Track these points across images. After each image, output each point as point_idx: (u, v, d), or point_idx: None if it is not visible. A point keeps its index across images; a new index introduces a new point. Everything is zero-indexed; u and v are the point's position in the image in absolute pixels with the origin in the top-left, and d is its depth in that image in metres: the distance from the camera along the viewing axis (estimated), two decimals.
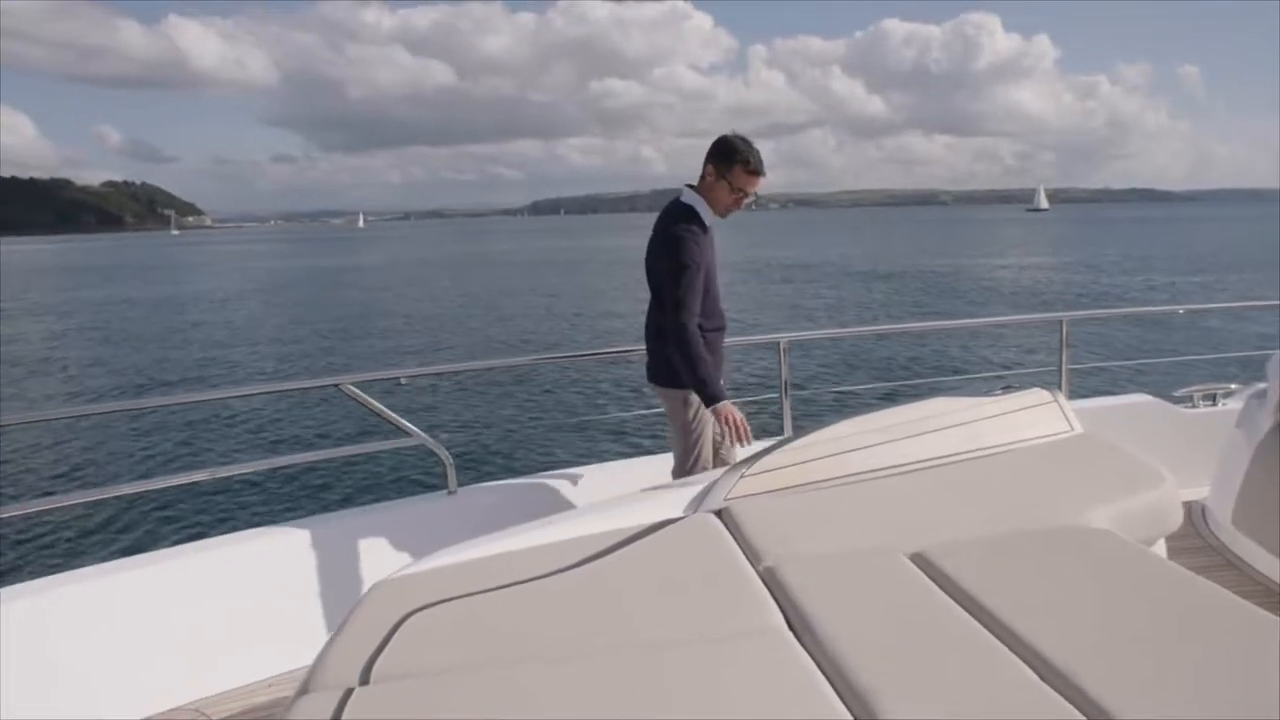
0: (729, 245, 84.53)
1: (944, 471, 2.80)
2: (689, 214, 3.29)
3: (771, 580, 2.11)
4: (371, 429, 11.63)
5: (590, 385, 15.08)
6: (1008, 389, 3.25)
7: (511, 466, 10.53)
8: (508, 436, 11.73)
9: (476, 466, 10.26)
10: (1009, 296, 31.15)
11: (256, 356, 22.27)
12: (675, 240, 3.22)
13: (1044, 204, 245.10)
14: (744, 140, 3.25)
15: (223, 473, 3.78)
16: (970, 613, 1.88)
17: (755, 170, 3.24)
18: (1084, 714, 1.50)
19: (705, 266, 3.26)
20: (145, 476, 10.45)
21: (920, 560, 2.18)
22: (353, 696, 1.64)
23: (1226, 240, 70.98)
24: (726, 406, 3.21)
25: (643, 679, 1.68)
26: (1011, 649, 1.72)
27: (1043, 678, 1.62)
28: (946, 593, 1.99)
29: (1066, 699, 1.54)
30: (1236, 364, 10.09)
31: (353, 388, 3.45)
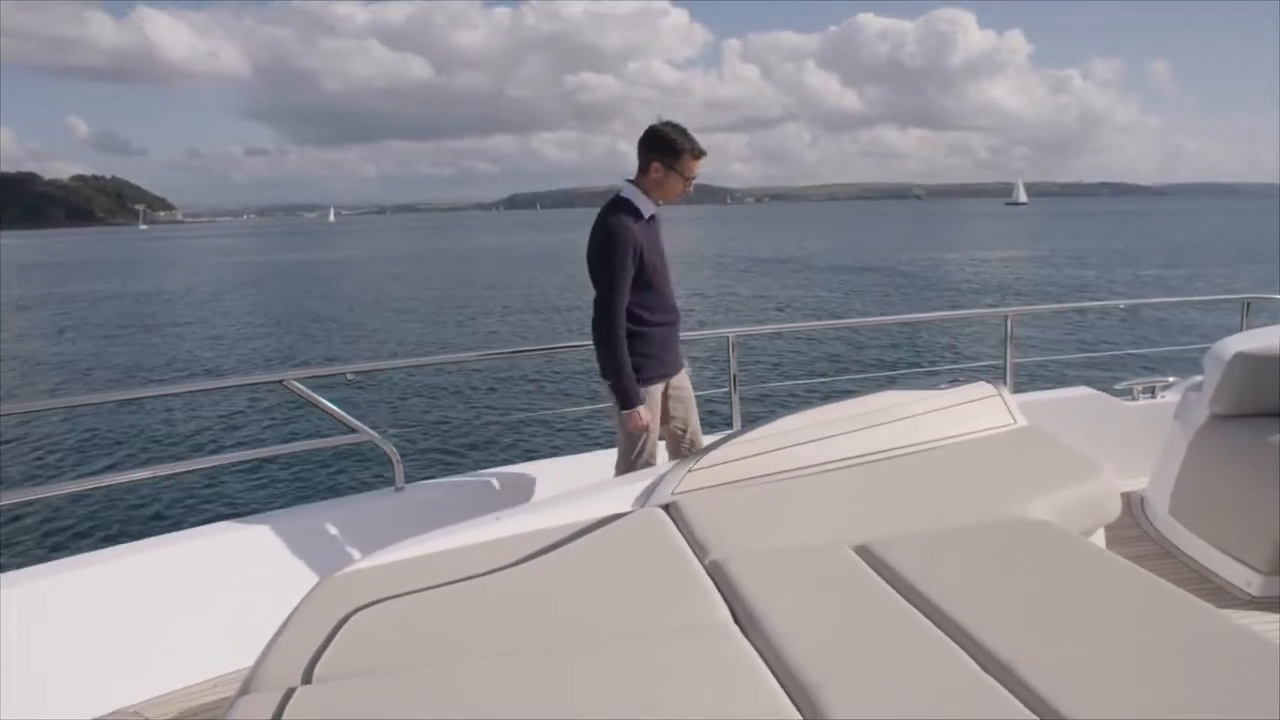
0: (702, 239, 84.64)
1: (889, 465, 2.84)
2: (623, 206, 3.30)
3: (718, 574, 2.11)
4: (318, 426, 11.45)
5: (541, 380, 14.93)
6: (953, 383, 3.29)
7: (460, 463, 10.30)
8: (457, 433, 11.61)
9: (425, 463, 10.06)
10: (993, 292, 31.11)
11: (212, 352, 22.09)
12: (602, 234, 3.25)
13: (1023, 198, 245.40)
14: (677, 128, 3.27)
15: (165, 470, 3.77)
16: (914, 605, 1.89)
17: (701, 153, 3.28)
18: (1025, 704, 1.52)
19: (645, 259, 3.27)
20: (85, 475, 10.37)
21: (865, 554, 2.18)
22: (294, 696, 1.62)
23: (1203, 234, 71.87)
24: (634, 414, 3.29)
25: (589, 674, 1.68)
26: (954, 640, 1.73)
27: (984, 668, 1.63)
28: (891, 586, 2.00)
29: (1008, 689, 1.56)
30: (1179, 358, 10.15)
31: (297, 384, 3.41)
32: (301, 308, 32.08)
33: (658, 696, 1.59)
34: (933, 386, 3.29)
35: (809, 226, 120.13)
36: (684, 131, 3.27)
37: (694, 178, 3.31)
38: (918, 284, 34.18)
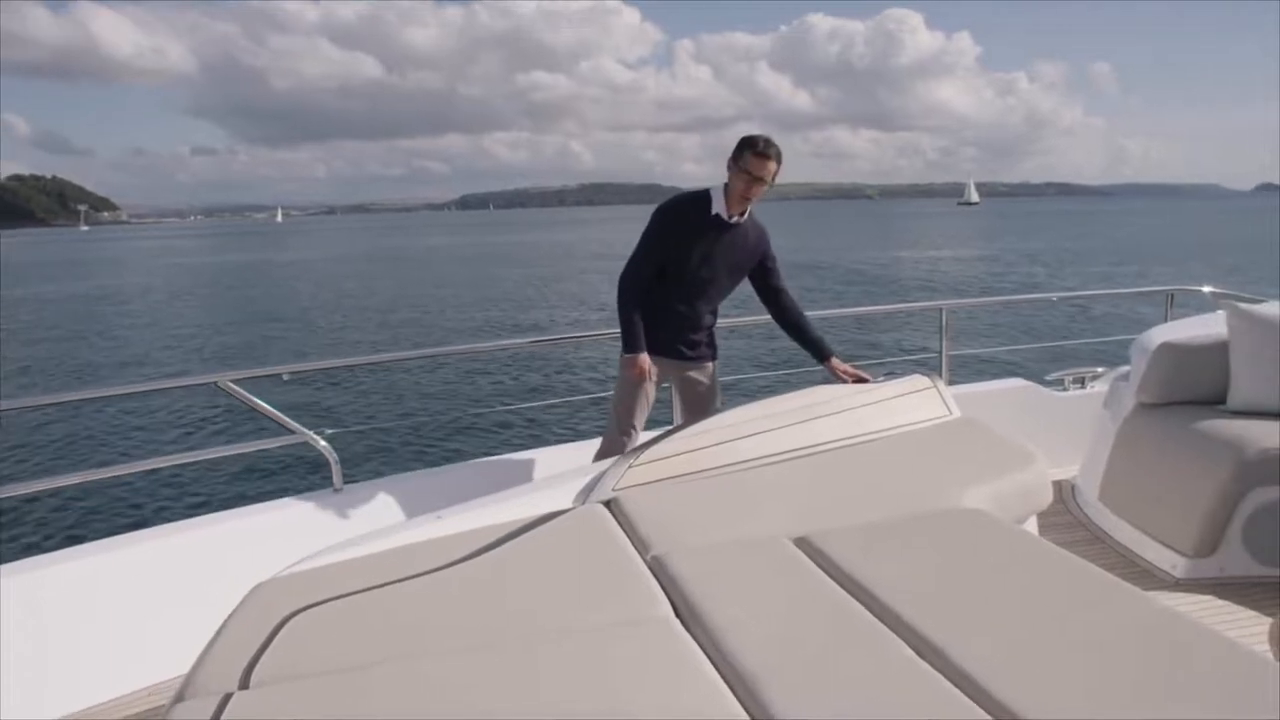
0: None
1: (828, 457, 2.88)
2: (696, 197, 3.46)
3: (659, 569, 2.12)
4: (253, 427, 11.18)
5: (482, 378, 14.76)
6: (889, 375, 3.35)
7: (399, 463, 10.15)
8: (395, 433, 11.41)
9: (364, 464, 9.88)
10: (945, 289, 31.42)
11: (152, 354, 21.68)
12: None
13: (975, 198, 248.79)
14: (759, 135, 3.37)
15: (96, 475, 3.69)
16: (854, 596, 1.92)
17: (762, 153, 3.30)
18: (960, 688, 1.55)
19: (679, 249, 3.43)
20: (10, 481, 9.84)
21: (805, 546, 2.21)
22: (231, 701, 1.60)
23: (1146, 232, 73.73)
24: (630, 359, 3.45)
25: (530, 671, 1.68)
26: (892, 629, 1.77)
27: (921, 655, 1.66)
28: (830, 577, 2.02)
29: (944, 675, 1.59)
30: (1108, 349, 10.35)
31: (232, 384, 3.38)
32: (244, 309, 31.59)
33: (600, 690, 1.59)
34: (869, 379, 3.33)
35: (780, 226, 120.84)
36: (760, 137, 3.36)
37: (759, 176, 3.31)
38: (871, 282, 34.45)
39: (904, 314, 19.33)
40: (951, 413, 3.19)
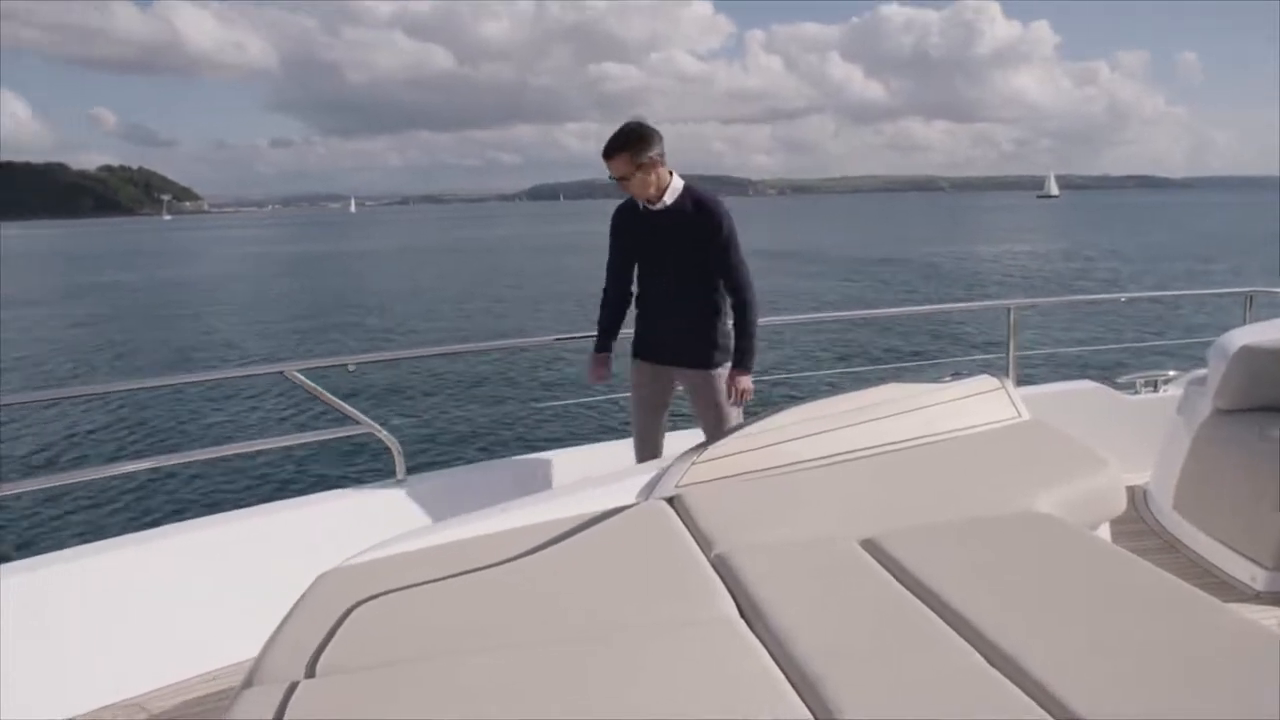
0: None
1: (893, 458, 2.83)
2: (628, 200, 3.51)
3: (723, 568, 2.10)
4: (319, 417, 11.31)
5: (545, 371, 14.80)
6: (956, 376, 3.27)
7: (462, 454, 10.21)
8: (459, 424, 11.49)
9: (426, 454, 9.95)
10: (1020, 286, 30.71)
11: (224, 342, 22.22)
12: None
13: (1055, 190, 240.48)
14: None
15: (166, 462, 3.87)
16: (921, 599, 1.88)
17: (604, 155, 3.35)
18: (1031, 697, 1.51)
19: (623, 243, 3.57)
20: (83, 465, 10.23)
21: (871, 547, 2.17)
22: (298, 690, 1.61)
23: (1233, 227, 71.07)
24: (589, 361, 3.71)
25: (594, 667, 1.67)
26: (961, 634, 1.73)
27: (990, 662, 1.62)
28: (897, 579, 1.99)
29: (1014, 683, 1.55)
30: (1181, 351, 10.34)
31: (298, 374, 3.40)
32: (316, 299, 32.21)
33: (663, 689, 1.58)
34: (935, 379, 3.27)
35: (830, 218, 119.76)
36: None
37: (612, 177, 3.36)
38: (943, 278, 33.79)
39: (971, 312, 19.11)
40: (1020, 415, 3.12)
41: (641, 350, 3.62)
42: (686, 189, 3.40)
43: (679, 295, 3.48)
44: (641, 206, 3.43)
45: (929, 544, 2.14)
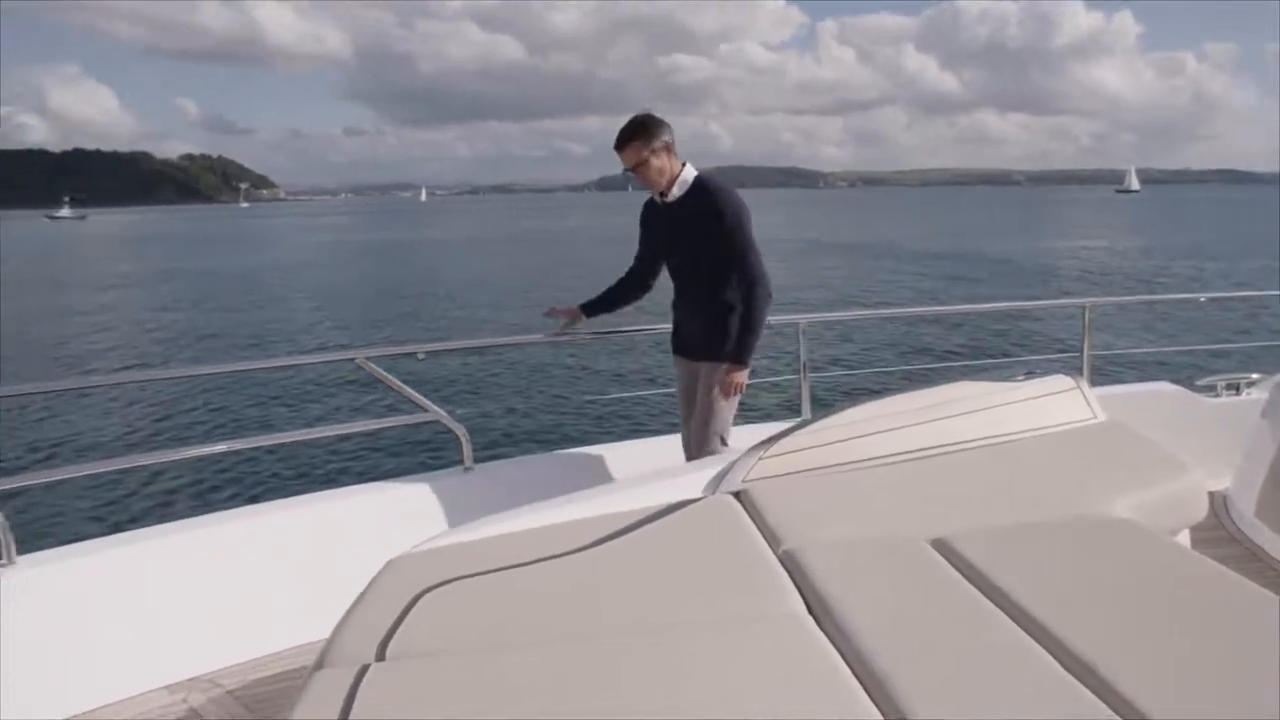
0: (787, 223, 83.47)
1: (965, 457, 2.79)
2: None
3: (791, 564, 2.08)
4: (388, 404, 11.47)
5: (612, 363, 14.79)
6: (1030, 375, 3.21)
7: (528, 444, 10.24)
8: (525, 414, 11.54)
9: (493, 443, 10.02)
10: (1099, 283, 29.88)
11: (296, 328, 22.72)
12: None
13: (1135, 185, 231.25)
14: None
15: (239, 445, 3.91)
16: (994, 601, 1.85)
17: (616, 148, 3.39)
18: (1108, 705, 1.48)
19: (646, 234, 3.63)
20: (161, 448, 10.54)
21: (942, 547, 2.14)
22: (369, 672, 1.63)
23: None
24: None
25: (663, 661, 1.66)
26: (1035, 639, 1.69)
27: (1066, 668, 1.59)
28: (969, 581, 1.95)
29: (1091, 690, 1.52)
30: (1265, 353, 10.04)
31: (369, 362, 3.46)
32: (387, 287, 32.66)
33: (733, 685, 1.57)
34: (1008, 378, 3.20)
35: (902, 212, 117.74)
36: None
37: (626, 168, 3.40)
38: (1016, 274, 32.98)
39: (1043, 310, 18.64)
40: (1096, 416, 3.04)
41: (674, 345, 3.67)
42: (697, 180, 3.40)
43: (694, 287, 3.50)
44: (658, 200, 3.47)
45: (1003, 546, 2.09)
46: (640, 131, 3.32)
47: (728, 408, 3.45)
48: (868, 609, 1.81)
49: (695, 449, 3.48)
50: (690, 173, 3.41)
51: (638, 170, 3.35)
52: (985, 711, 1.48)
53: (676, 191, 3.40)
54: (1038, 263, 37.26)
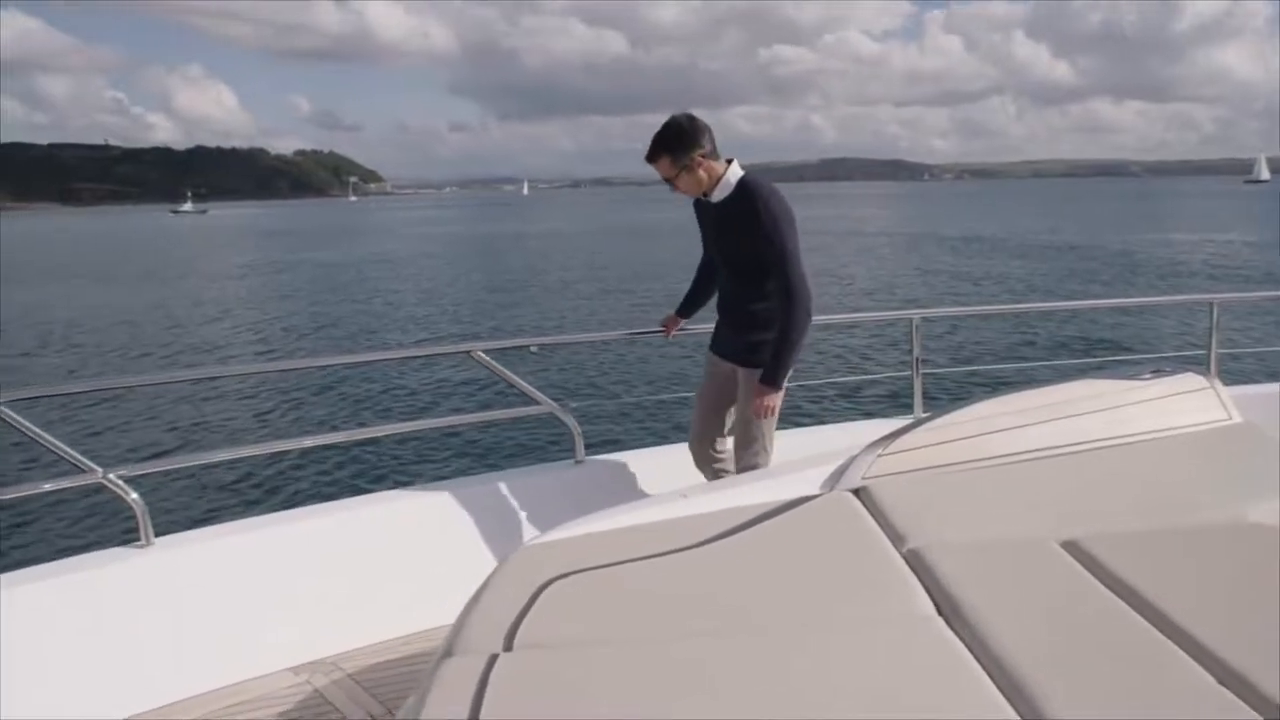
0: (892, 217, 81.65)
1: (1092, 458, 2.70)
2: None
3: (917, 564, 2.03)
4: (501, 396, 11.70)
5: None
6: (1156, 373, 3.08)
7: (639, 438, 10.30)
8: (637, 407, 11.59)
9: (604, 437, 10.06)
10: (1228, 278, 28.52)
11: (408, 320, 23.29)
12: None
13: (1265, 174, 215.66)
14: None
15: (359, 435, 4.33)
16: (1134, 608, 1.77)
17: (647, 160, 3.29)
18: (1265, 718, 1.40)
19: (703, 235, 3.54)
20: (285, 436, 10.95)
21: (1074, 550, 2.04)
22: (498, 661, 1.65)
23: None
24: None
25: (791, 660, 1.64)
26: (1183, 648, 1.61)
27: (1219, 680, 1.51)
28: (1105, 585, 1.87)
29: (1247, 704, 1.44)
30: None
31: (483, 354, 3.51)
32: (495, 279, 33.19)
33: (865, 685, 1.55)
34: (1132, 376, 3.07)
35: (1011, 204, 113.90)
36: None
37: (662, 178, 3.31)
38: (1135, 269, 31.66)
39: (1166, 307, 17.79)
40: (1231, 417, 2.90)
41: (711, 342, 3.60)
42: (741, 181, 3.24)
43: (734, 290, 3.41)
44: (704, 200, 3.35)
45: (1141, 550, 2.01)
46: (672, 145, 3.19)
47: (765, 426, 3.35)
48: (1001, 611, 1.75)
49: (737, 460, 3.42)
50: (735, 173, 3.26)
51: (670, 183, 3.26)
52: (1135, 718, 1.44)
53: (720, 193, 3.27)
54: (1158, 256, 35.71)
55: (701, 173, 3.21)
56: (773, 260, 3.17)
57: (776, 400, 3.28)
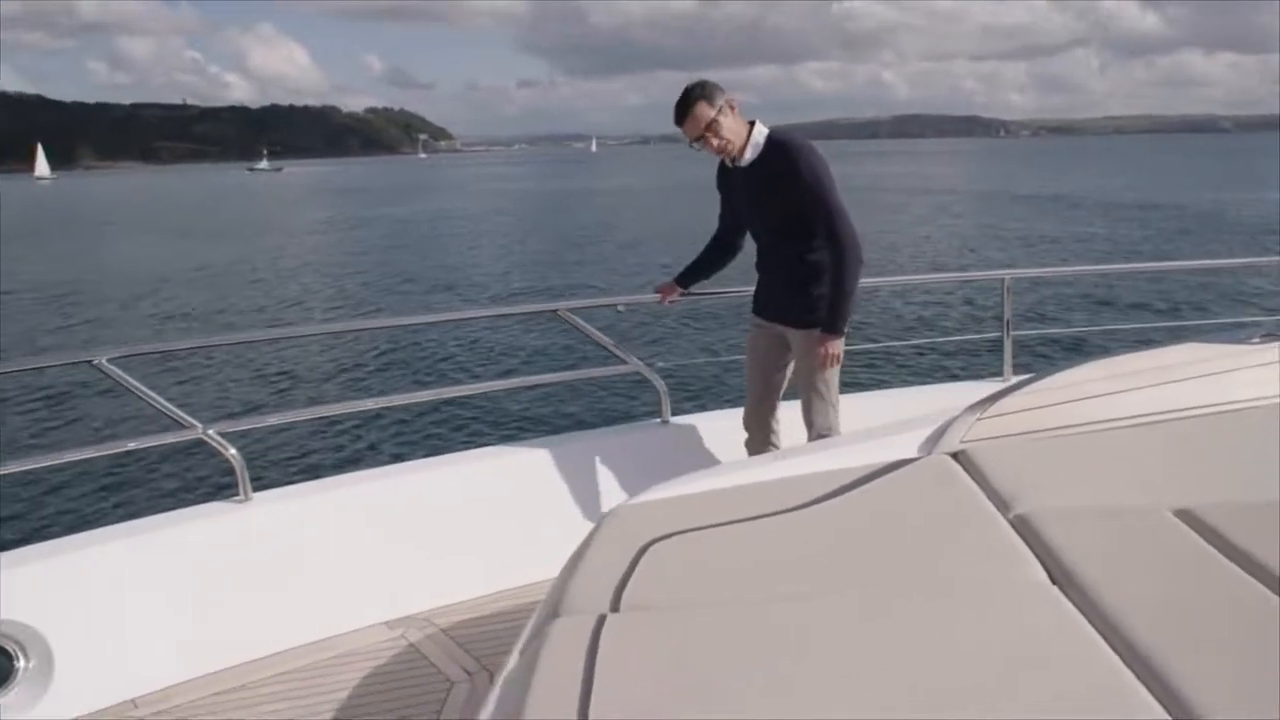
0: (969, 175, 79.44)
1: (1198, 424, 2.58)
2: None
3: (1025, 529, 1.96)
4: (588, 355, 11.78)
5: None
6: (1267, 337, 2.92)
7: (725, 398, 10.32)
8: (725, 367, 11.60)
9: (690, 397, 9.93)
10: None
11: (485, 277, 23.46)
12: None
13: None
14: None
15: (447, 393, 4.46)
16: (1258, 580, 1.67)
17: (675, 123, 3.25)
18: None
19: (728, 199, 3.52)
20: (376, 393, 11.14)
21: (1189, 519, 1.95)
22: (607, 622, 1.64)
23: None
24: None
25: (904, 623, 1.61)
26: None
27: None
28: (1227, 557, 1.78)
29: None
30: None
31: (571, 314, 3.53)
32: (571, 236, 33.29)
33: (986, 651, 1.50)
34: (1239, 340, 2.92)
35: (1091, 161, 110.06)
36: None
37: (690, 139, 3.25)
38: (1225, 229, 30.40)
39: (1258, 268, 17.02)
40: None
41: (754, 305, 3.51)
42: (770, 139, 3.21)
43: (776, 249, 3.36)
44: (731, 163, 3.31)
45: (1262, 521, 1.91)
46: (699, 92, 3.16)
47: (834, 376, 3.33)
48: (1117, 578, 1.70)
49: (807, 424, 3.38)
50: (761, 132, 3.22)
51: (708, 134, 3.16)
52: (1273, 694, 1.36)
53: (750, 154, 3.22)
54: (1252, 215, 34.37)
55: (733, 122, 3.19)
56: (819, 215, 3.16)
57: (839, 347, 3.27)
